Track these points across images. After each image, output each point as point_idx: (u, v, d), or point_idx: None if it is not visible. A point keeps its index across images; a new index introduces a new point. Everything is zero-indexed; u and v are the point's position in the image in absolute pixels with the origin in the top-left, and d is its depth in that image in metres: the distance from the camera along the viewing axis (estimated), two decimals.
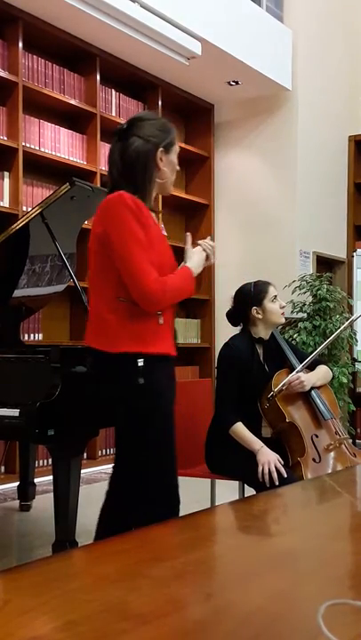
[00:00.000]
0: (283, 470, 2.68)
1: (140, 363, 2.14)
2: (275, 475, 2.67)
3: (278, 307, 2.99)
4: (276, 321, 3.00)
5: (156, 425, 2.19)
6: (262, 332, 2.99)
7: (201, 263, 2.35)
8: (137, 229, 2.13)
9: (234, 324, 3.07)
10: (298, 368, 2.92)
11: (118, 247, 2.14)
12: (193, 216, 6.93)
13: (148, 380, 2.16)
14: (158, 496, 2.21)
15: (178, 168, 2.38)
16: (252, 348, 2.96)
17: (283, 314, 3.01)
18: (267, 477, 2.67)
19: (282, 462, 2.73)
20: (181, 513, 1.48)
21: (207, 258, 2.38)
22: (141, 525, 2.18)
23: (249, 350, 2.95)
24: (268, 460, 2.70)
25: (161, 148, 2.26)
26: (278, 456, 2.74)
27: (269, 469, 2.68)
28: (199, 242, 2.39)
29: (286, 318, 5.96)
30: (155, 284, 2.12)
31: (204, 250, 2.37)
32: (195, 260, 2.33)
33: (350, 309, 6.50)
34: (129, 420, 2.20)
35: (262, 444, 2.77)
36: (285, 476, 2.68)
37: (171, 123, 2.38)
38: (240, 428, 2.81)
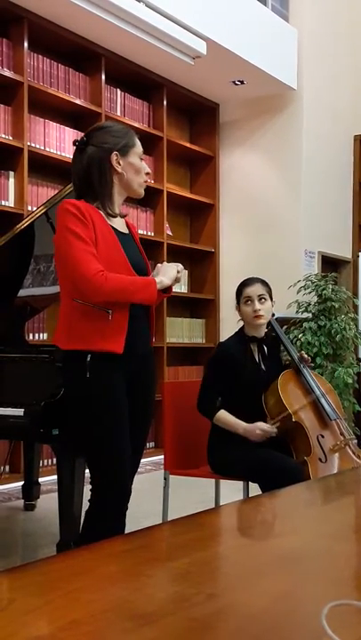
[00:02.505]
0: (272, 430, 2.80)
1: (88, 359, 2.25)
2: (270, 431, 2.80)
3: (250, 310, 2.90)
4: (250, 323, 2.93)
5: (103, 421, 2.28)
6: (252, 331, 2.97)
7: (172, 276, 2.39)
8: (76, 227, 2.22)
9: None
10: (316, 392, 2.95)
11: (62, 246, 2.26)
12: (198, 216, 6.92)
13: (94, 376, 2.26)
14: (107, 490, 2.30)
15: (148, 170, 2.44)
16: (244, 347, 2.95)
17: (258, 317, 2.89)
18: (264, 435, 2.80)
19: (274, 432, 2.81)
20: (185, 513, 1.47)
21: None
22: (91, 518, 2.28)
23: (240, 349, 2.94)
24: (255, 432, 2.79)
25: (115, 152, 2.34)
26: (259, 423, 2.82)
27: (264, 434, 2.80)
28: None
29: (291, 318, 6.02)
30: (95, 272, 2.19)
31: (177, 270, 2.42)
32: (161, 277, 2.37)
33: (355, 309, 6.49)
34: (78, 416, 2.32)
35: (244, 426, 2.81)
36: (275, 432, 2.80)
37: (130, 128, 2.44)
38: (223, 414, 2.85)
